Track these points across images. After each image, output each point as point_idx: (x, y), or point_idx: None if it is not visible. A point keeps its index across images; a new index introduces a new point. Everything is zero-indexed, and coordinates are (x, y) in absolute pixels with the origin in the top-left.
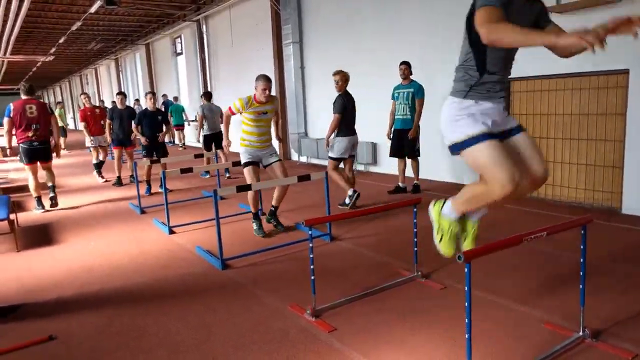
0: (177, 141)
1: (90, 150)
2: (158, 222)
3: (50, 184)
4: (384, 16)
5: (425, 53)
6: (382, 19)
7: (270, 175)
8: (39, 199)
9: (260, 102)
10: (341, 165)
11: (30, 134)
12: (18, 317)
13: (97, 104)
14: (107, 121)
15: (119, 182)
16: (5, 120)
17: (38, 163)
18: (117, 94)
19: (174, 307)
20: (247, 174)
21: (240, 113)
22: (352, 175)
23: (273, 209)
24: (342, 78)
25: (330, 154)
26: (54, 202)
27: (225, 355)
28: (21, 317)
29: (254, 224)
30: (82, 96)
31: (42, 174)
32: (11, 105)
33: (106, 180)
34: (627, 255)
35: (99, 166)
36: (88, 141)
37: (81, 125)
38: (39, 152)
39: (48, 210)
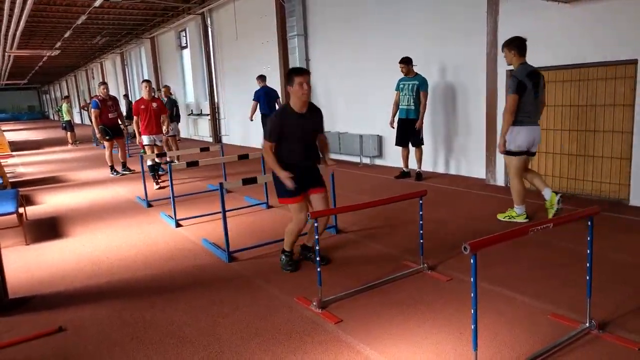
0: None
1: (144, 150)
2: (165, 215)
3: (122, 160)
4: (388, 9)
5: (429, 47)
6: (386, 12)
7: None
8: (112, 167)
9: None
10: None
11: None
12: (28, 309)
13: (157, 96)
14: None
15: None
16: (95, 110)
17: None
18: (143, 81)
19: (181, 299)
20: None
21: None
22: (177, 148)
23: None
24: (167, 91)
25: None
26: (126, 169)
27: (233, 347)
28: (31, 309)
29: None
30: (144, 84)
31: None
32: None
33: (161, 187)
34: (633, 246)
35: (154, 169)
36: (146, 139)
37: (134, 120)
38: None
39: (122, 174)
